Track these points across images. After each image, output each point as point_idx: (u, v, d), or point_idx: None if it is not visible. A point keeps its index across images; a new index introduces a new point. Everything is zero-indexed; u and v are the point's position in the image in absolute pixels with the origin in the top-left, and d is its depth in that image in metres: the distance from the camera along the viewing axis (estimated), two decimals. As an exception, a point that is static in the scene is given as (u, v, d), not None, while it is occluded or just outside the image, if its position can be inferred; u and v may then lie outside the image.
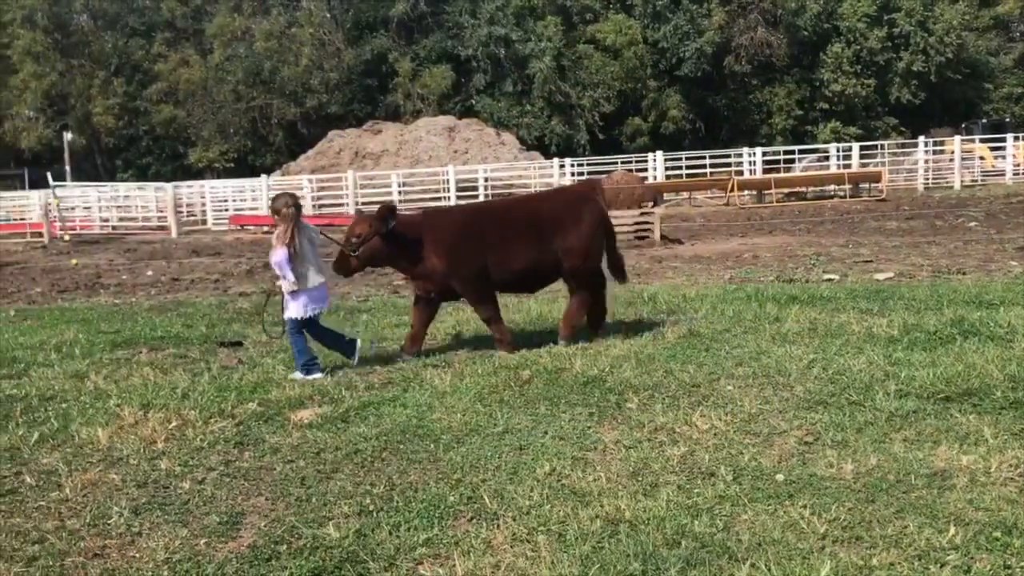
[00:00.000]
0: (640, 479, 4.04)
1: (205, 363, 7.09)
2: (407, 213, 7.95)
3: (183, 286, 13.65)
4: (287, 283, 6.51)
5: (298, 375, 6.40)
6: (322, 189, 31.57)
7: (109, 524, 3.82)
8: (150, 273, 15.87)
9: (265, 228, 26.89)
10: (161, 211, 30.76)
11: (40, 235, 26.82)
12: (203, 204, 33.11)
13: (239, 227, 27.81)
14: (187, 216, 32.61)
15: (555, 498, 3.84)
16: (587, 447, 4.55)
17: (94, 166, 53.52)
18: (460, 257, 6.96)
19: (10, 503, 4.15)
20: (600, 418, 5.03)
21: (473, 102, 48.66)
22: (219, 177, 44.40)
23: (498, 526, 3.57)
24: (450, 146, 34.39)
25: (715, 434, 4.62)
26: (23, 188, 44.98)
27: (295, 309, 6.52)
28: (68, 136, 47.28)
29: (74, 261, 19.21)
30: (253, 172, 41.75)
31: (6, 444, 5.02)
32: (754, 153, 33.43)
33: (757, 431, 4.65)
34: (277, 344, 7.83)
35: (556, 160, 31.95)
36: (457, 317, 8.65)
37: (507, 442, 4.67)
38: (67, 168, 45.09)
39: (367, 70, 50.06)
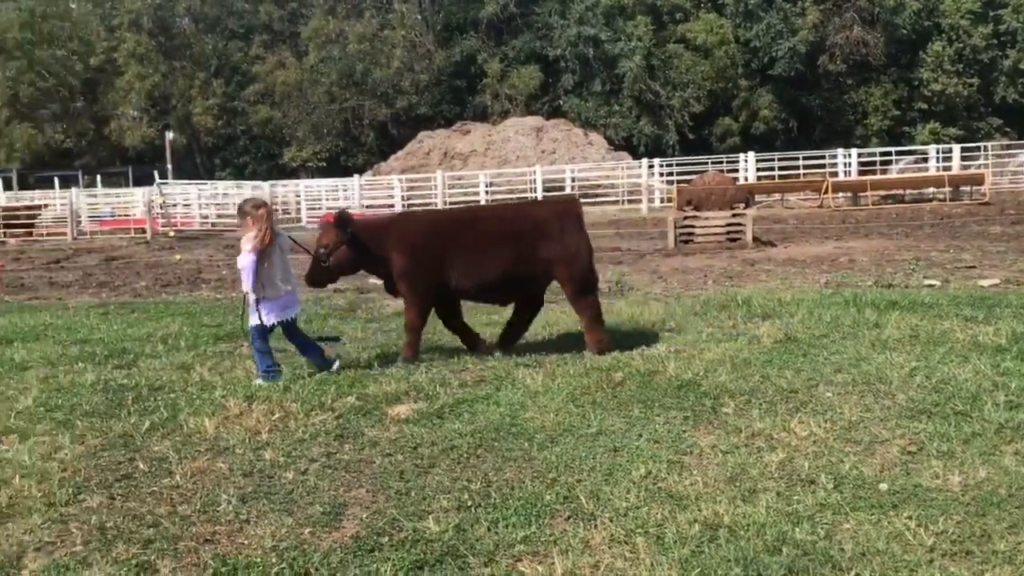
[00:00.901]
0: (738, 485, 4.00)
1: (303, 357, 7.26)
2: (377, 216, 8.12)
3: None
4: (244, 287, 6.44)
5: (259, 381, 6.32)
6: (411, 189, 32.03)
7: (218, 511, 3.97)
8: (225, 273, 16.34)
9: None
10: (257, 209, 31.60)
11: (143, 231, 27.90)
12: (298, 202, 33.96)
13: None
14: (282, 214, 33.48)
15: (652, 501, 3.84)
16: (683, 451, 4.53)
17: (194, 164, 55.39)
18: (417, 261, 6.89)
19: (125, 488, 4.35)
20: (695, 422, 4.99)
21: (561, 102, 48.70)
22: (312, 176, 45.46)
23: (595, 526, 3.59)
24: (537, 146, 34.51)
25: (814, 441, 4.54)
26: (127, 185, 46.82)
27: (258, 316, 6.42)
28: (170, 135, 49.02)
29: (178, 256, 19.92)
30: (345, 172, 42.65)
31: (120, 431, 5.25)
32: (849, 154, 32.64)
33: (858, 439, 4.56)
34: (372, 339, 8.01)
35: (644, 160, 31.74)
36: (546, 318, 8.69)
37: (601, 443, 4.68)
38: (168, 166, 46.73)
39: (456, 71, 50.57)
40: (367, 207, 30.79)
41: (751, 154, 32.05)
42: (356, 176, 33.25)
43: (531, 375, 6.19)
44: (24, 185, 47.53)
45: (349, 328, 8.73)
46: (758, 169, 31.81)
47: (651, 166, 31.43)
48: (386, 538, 3.58)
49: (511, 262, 6.90)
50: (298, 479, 4.36)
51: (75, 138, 58.19)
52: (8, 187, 44.97)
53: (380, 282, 7.78)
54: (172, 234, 26.29)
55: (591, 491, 3.97)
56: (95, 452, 4.89)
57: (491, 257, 6.91)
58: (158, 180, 29.80)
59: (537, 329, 8.12)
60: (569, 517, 3.73)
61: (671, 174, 32.21)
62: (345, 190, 33.06)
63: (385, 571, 3.24)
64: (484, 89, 49.41)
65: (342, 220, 6.89)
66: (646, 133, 47.25)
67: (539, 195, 29.95)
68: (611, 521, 3.63)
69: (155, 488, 4.32)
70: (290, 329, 6.66)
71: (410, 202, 31.29)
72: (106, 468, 4.62)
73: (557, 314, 8.37)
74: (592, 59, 47.73)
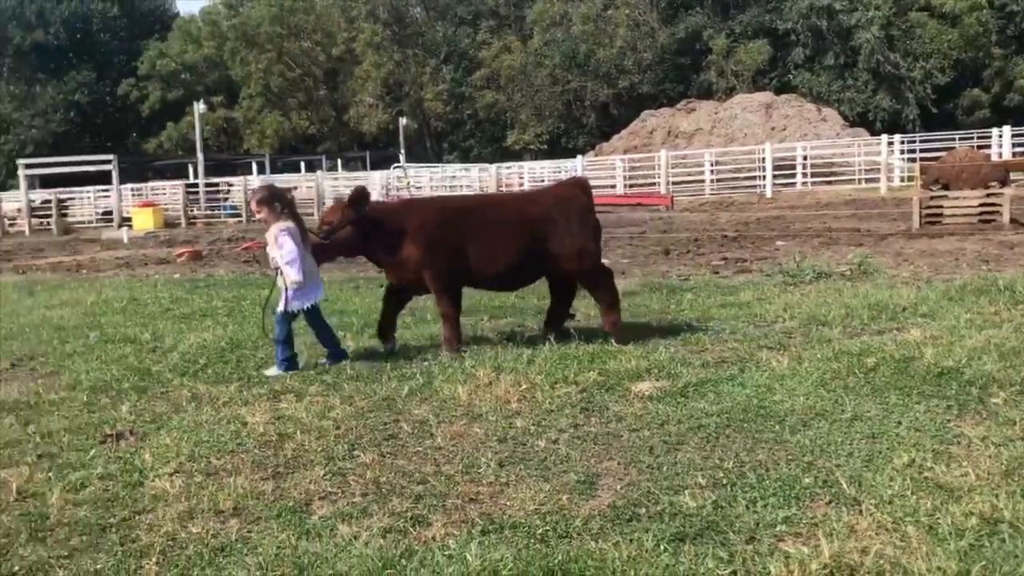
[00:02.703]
0: (1016, 479, 3.74)
1: (542, 333, 7.47)
2: (384, 202, 7.92)
3: (510, 260, 14.44)
4: (295, 276, 6.29)
5: (273, 371, 6.36)
6: (633, 169, 31.91)
7: (479, 473, 4.19)
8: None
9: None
10: (484, 190, 32.69)
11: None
12: (521, 183, 34.77)
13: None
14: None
15: (919, 490, 3.67)
16: (948, 441, 4.28)
17: (424, 148, 58.00)
18: (437, 249, 6.74)
19: (393, 447, 4.68)
20: (960, 412, 4.70)
21: (790, 77, 46.78)
22: (534, 158, 46.35)
23: (860, 512, 3.48)
24: (767, 123, 33.35)
25: (1104, 438, 4.16)
26: (365, 169, 49.76)
27: (295, 302, 6.43)
28: (403, 121, 51.58)
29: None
30: (566, 153, 43.16)
31: (383, 395, 5.64)
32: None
33: None
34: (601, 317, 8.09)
35: (884, 137, 29.87)
36: (787, 299, 8.45)
37: (857, 429, 4.52)
38: (401, 150, 49.21)
39: (680, 48, 49.76)
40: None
41: (1006, 128, 29.36)
42: (579, 157, 33.55)
43: (776, 358, 6.05)
44: (273, 169, 51.56)
45: (582, 306, 8.86)
46: (1014, 144, 29.12)
47: (891, 143, 29.57)
48: (643, 509, 3.65)
49: (517, 250, 6.83)
50: (550, 447, 4.52)
51: (318, 125, 62.51)
52: (261, 171, 48.96)
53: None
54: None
55: (851, 477, 3.84)
56: (363, 413, 5.28)
57: (499, 245, 6.83)
58: (403, 162, 31.62)
59: (776, 310, 7.91)
60: (830, 501, 3.63)
61: (912, 151, 30.15)
62: (568, 171, 33.44)
63: (646, 541, 3.30)
64: (709, 66, 48.33)
65: (359, 199, 6.71)
66: (883, 107, 44.50)
67: (768, 174, 28.96)
68: (876, 508, 3.50)
69: (419, 448, 4.62)
70: (312, 313, 6.61)
71: (632, 182, 31.19)
72: (374, 428, 4.99)
73: (797, 296, 8.11)
74: (826, 31, 45.46)
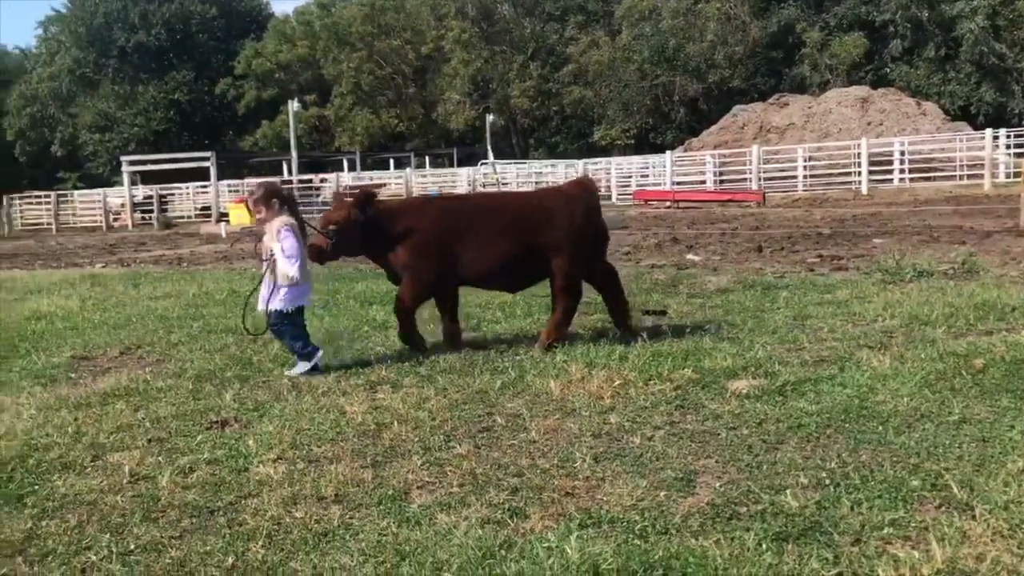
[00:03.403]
0: None
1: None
2: (389, 200, 7.82)
3: (598, 257, 14.38)
4: (292, 272, 6.20)
5: (300, 367, 6.29)
6: (724, 164, 31.43)
7: (575, 467, 4.19)
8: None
9: (667, 203, 27.46)
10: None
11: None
12: (607, 180, 34.59)
13: (643, 202, 28.63)
14: (594, 191, 34.22)
15: (1036, 497, 3.52)
16: (1066, 447, 4.10)
17: (510, 145, 58.20)
18: (424, 252, 6.65)
19: (488, 439, 4.72)
20: (1078, 417, 4.50)
21: (887, 70, 45.38)
22: (621, 154, 46.06)
23: (973, 517, 3.36)
24: (863, 118, 32.41)
25: None
26: (452, 165, 50.24)
27: (286, 301, 6.30)
28: (490, 118, 51.86)
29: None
30: (653, 149, 42.73)
31: (476, 388, 5.69)
32: None
33: None
34: (700, 315, 8.01)
35: (989, 131, 28.69)
36: (886, 298, 8.22)
37: (966, 432, 4.36)
38: (488, 147, 49.48)
39: (772, 42, 48.75)
40: (677, 184, 30.67)
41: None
42: (667, 152, 33.19)
43: (877, 357, 5.88)
44: (363, 166, 52.46)
45: (674, 303, 8.79)
46: None
47: (996, 137, 28.40)
48: (744, 508, 3.59)
49: (517, 250, 6.72)
50: (645, 444, 4.49)
51: (407, 122, 63.30)
52: (351, 168, 49.90)
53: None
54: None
55: (962, 481, 3.71)
56: (457, 405, 5.34)
57: (498, 245, 6.73)
58: (492, 158, 31.85)
59: (876, 309, 7.69)
60: (940, 505, 3.52)
61: (1020, 145, 28.91)
62: (655, 167, 33.14)
63: (748, 540, 3.25)
64: (802, 60, 47.22)
65: (365, 199, 6.68)
66: (987, 101, 42.78)
67: (864, 170, 28.19)
68: (990, 513, 3.38)
69: (514, 441, 4.64)
70: (297, 315, 6.44)
71: (723, 178, 30.73)
72: (468, 420, 5.04)
73: (897, 294, 7.87)
74: (926, 22, 43.92)
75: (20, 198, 45.94)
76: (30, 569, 3.42)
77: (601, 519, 3.55)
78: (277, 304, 6.27)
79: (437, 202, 7.97)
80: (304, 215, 6.71)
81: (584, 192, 7.14)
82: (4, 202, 44.00)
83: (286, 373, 6.34)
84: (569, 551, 3.20)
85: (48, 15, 79.01)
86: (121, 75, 67.44)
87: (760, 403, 5.05)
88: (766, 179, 29.88)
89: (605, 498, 3.80)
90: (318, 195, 39.56)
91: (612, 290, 7.24)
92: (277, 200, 6.40)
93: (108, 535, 3.68)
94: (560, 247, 6.73)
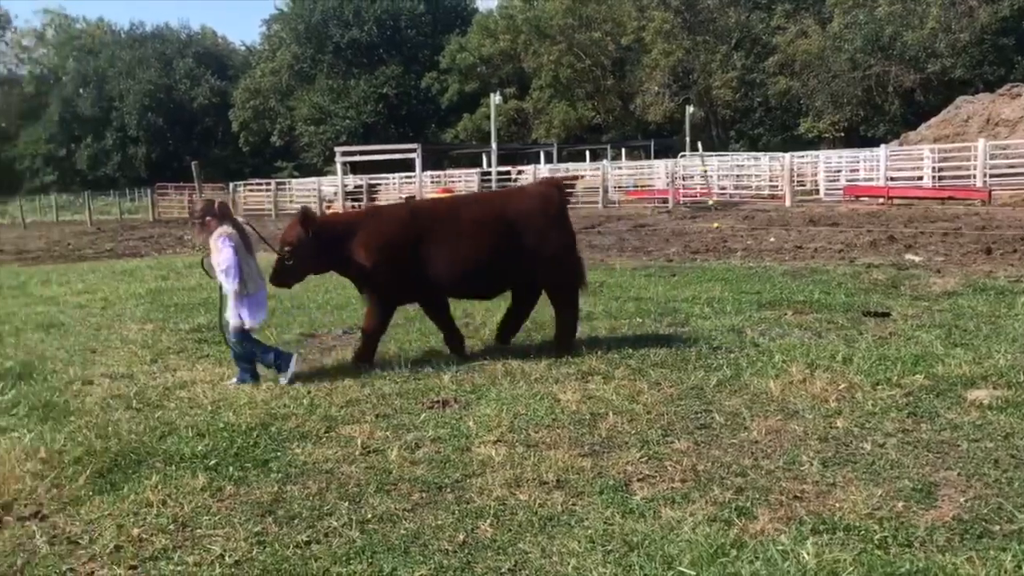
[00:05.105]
0: None
1: (856, 331, 7.08)
2: (345, 213, 7.20)
3: (807, 254, 13.83)
4: (227, 287, 6.03)
5: (234, 381, 6.16)
6: (944, 160, 29.35)
7: (802, 470, 4.04)
8: (772, 240, 16.38)
9: (880, 200, 26.02)
10: (774, 180, 31.56)
11: (665, 201, 29.41)
12: (814, 174, 33.11)
13: (853, 198, 27.25)
14: (797, 186, 32.93)
15: None
16: None
17: (709, 137, 56.85)
18: (385, 261, 6.34)
19: (706, 436, 4.63)
20: None
21: None
22: (828, 148, 44.02)
23: None
24: (1112, 110, 29.34)
25: None
26: (647, 158, 49.73)
27: (247, 316, 6.09)
28: (690, 109, 50.92)
29: (716, 224, 20.55)
30: (863, 143, 40.53)
31: (690, 384, 5.61)
32: None
33: None
34: (928, 318, 7.53)
35: None
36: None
37: None
38: (687, 139, 48.61)
39: (1003, 28, 44.97)
40: (891, 179, 28.96)
41: None
42: (881, 146, 31.37)
43: None
44: (559, 158, 52.87)
45: (897, 305, 8.31)
46: None
47: None
48: (996, 526, 3.35)
49: (486, 256, 6.48)
50: (877, 451, 4.27)
51: (604, 114, 63.24)
52: (548, 160, 50.43)
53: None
54: (711, 203, 27.24)
55: None
56: (672, 400, 5.28)
57: (467, 251, 6.48)
58: (700, 150, 31.52)
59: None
60: None
61: None
62: (867, 161, 31.42)
63: (1004, 560, 3.02)
64: (1037, 46, 43.36)
65: (303, 218, 6.46)
66: None
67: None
68: None
69: (734, 440, 4.54)
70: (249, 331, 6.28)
71: (942, 174, 28.72)
72: (685, 416, 4.97)
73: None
74: None
75: (244, 185, 49.55)
76: (279, 529, 3.67)
77: (835, 526, 3.41)
78: (234, 319, 6.15)
79: (399, 210, 7.56)
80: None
81: (557, 192, 6.91)
82: (230, 188, 47.56)
83: (226, 383, 6.21)
84: (805, 556, 3.09)
85: (272, 14, 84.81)
86: (335, 70, 71.18)
87: (1005, 415, 4.69)
88: (992, 176, 27.65)
89: (838, 504, 3.64)
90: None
91: (525, 306, 6.98)
92: (211, 216, 6.21)
93: (346, 503, 3.90)
94: (541, 251, 6.56)
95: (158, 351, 7.50)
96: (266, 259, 6.56)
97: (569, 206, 7.19)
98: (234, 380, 6.23)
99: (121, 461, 4.54)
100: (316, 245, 6.41)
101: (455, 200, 8.66)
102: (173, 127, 77.60)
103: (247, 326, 6.15)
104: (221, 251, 6.01)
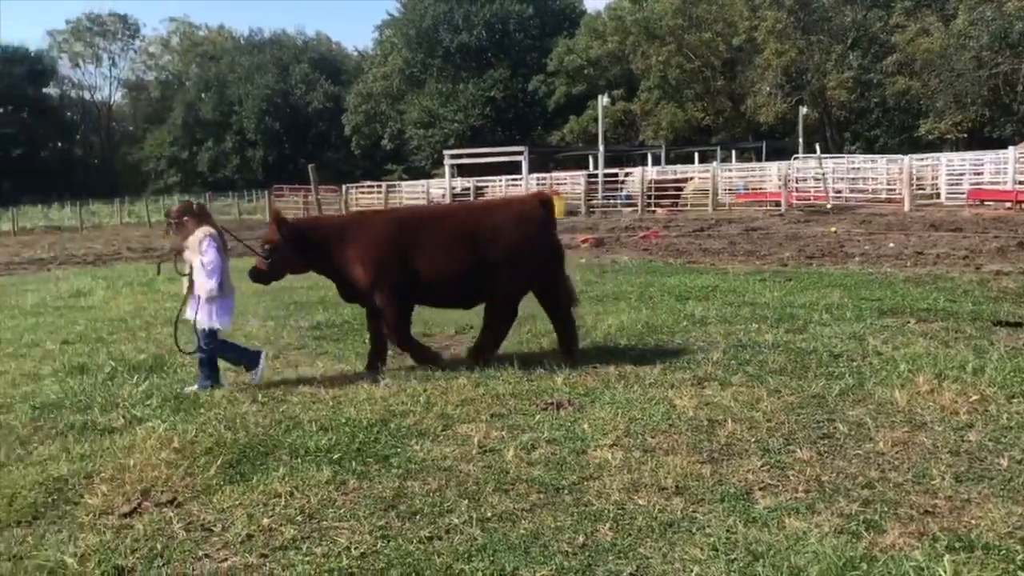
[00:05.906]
0: None
1: (986, 340, 6.77)
2: (333, 216, 6.77)
3: (929, 260, 13.30)
4: (210, 286, 6.03)
5: (194, 388, 6.20)
6: (1079, 162, 27.77)
7: (933, 485, 3.90)
8: (891, 245, 15.82)
9: (1008, 204, 24.82)
10: (892, 184, 30.46)
11: (777, 204, 28.74)
12: (934, 177, 31.82)
13: (977, 202, 26.06)
14: (917, 189, 31.69)
15: None
16: None
17: (823, 138, 55.26)
18: (383, 267, 6.29)
19: (830, 446, 4.51)
20: None
21: None
22: (951, 150, 42.22)
23: None
24: None
25: None
26: (758, 160, 48.71)
27: (214, 317, 6.09)
28: (803, 110, 49.60)
29: (832, 228, 19.99)
30: (988, 144, 38.72)
31: (811, 392, 5.47)
32: None
33: None
34: (1066, 330, 7.14)
35: None
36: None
37: None
38: (800, 141, 47.38)
39: None
40: (1021, 183, 27.57)
41: None
42: (1010, 148, 29.90)
43: None
44: (667, 160, 52.30)
45: (1031, 314, 7.91)
46: None
47: None
48: None
49: (465, 266, 6.49)
50: (1015, 468, 4.08)
51: (713, 115, 62.18)
52: (656, 162, 49.93)
53: None
54: (830, 207, 26.57)
55: None
56: (793, 408, 5.16)
57: (447, 259, 6.50)
58: (818, 151, 30.81)
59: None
60: None
61: None
62: (993, 164, 30.00)
63: None
64: None
65: (276, 221, 6.60)
66: None
67: None
68: None
69: (859, 451, 4.41)
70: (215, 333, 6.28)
71: (1075, 178, 27.17)
72: (807, 425, 4.85)
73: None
74: None
75: (356, 187, 50.77)
76: (402, 524, 3.75)
77: (973, 544, 3.27)
78: (204, 321, 6.16)
79: (384, 214, 7.73)
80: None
81: (537, 207, 6.77)
82: (342, 190, 48.78)
83: (185, 390, 6.23)
84: (942, 573, 2.98)
85: (384, 19, 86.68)
86: (444, 74, 72.21)
87: None
88: None
89: (974, 522, 3.49)
90: (622, 189, 40.02)
91: (560, 311, 6.82)
92: (189, 217, 6.29)
93: (466, 501, 3.95)
94: (505, 263, 6.49)
95: (279, 347, 7.76)
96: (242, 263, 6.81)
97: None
98: (195, 387, 6.28)
99: (249, 452, 4.72)
100: (292, 246, 6.58)
101: (437, 210, 9.00)
102: (289, 131, 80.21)
103: (218, 327, 6.22)
104: (206, 252, 6.14)
